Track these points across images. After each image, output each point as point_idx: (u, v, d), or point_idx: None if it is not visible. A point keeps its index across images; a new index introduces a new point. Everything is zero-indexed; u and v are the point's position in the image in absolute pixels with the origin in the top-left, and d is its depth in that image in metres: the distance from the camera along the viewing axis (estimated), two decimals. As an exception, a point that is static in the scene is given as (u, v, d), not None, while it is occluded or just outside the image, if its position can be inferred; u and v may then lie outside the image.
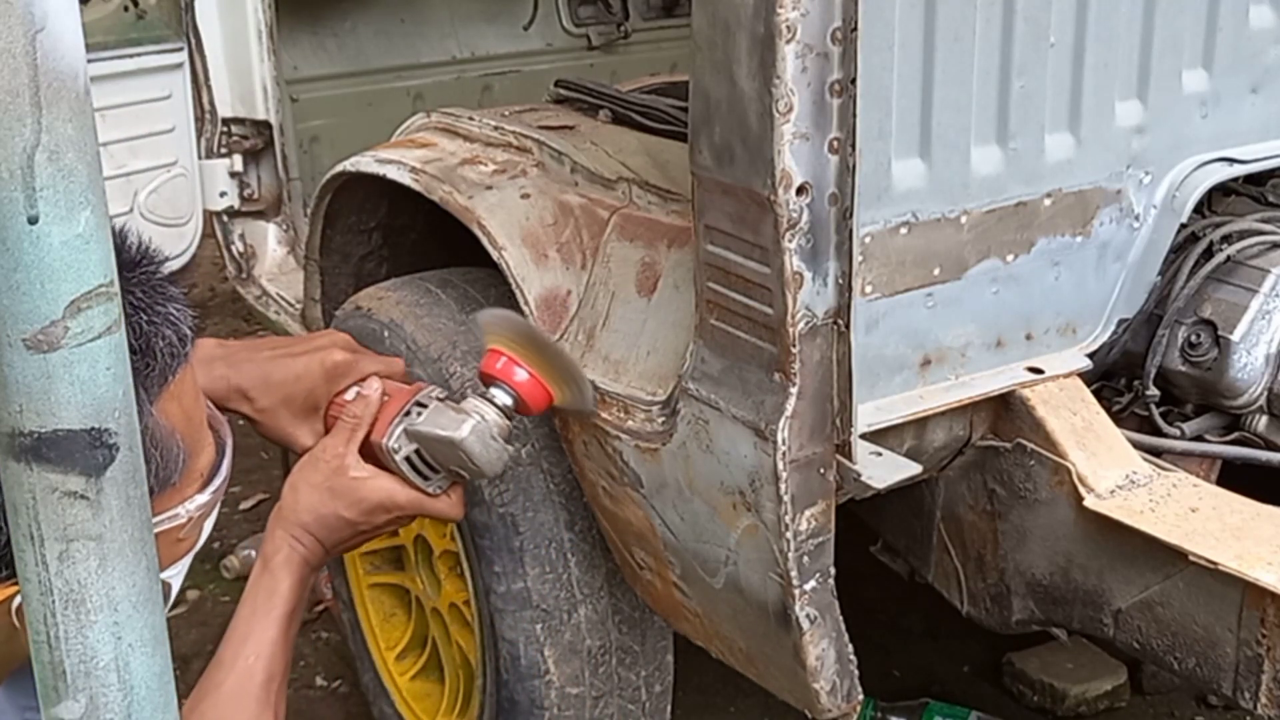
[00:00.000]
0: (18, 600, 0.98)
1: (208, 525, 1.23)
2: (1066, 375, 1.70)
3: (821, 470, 1.50)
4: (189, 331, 1.07)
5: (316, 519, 1.58)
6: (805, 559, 1.52)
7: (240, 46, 2.97)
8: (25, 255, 0.62)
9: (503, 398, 1.62)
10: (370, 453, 1.62)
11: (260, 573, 1.56)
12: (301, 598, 1.56)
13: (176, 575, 1.17)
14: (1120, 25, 1.66)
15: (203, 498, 1.17)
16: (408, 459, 1.61)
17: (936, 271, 1.60)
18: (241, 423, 1.64)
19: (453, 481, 1.65)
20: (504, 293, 1.89)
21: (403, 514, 1.62)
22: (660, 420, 1.65)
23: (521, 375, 1.63)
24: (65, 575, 0.66)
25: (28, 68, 0.60)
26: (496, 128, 2.12)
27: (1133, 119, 1.71)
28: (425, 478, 1.62)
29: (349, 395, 1.69)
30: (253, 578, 1.58)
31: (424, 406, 1.63)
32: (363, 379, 1.68)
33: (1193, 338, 1.78)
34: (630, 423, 1.69)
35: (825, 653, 1.57)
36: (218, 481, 1.20)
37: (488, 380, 1.65)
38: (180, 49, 2.96)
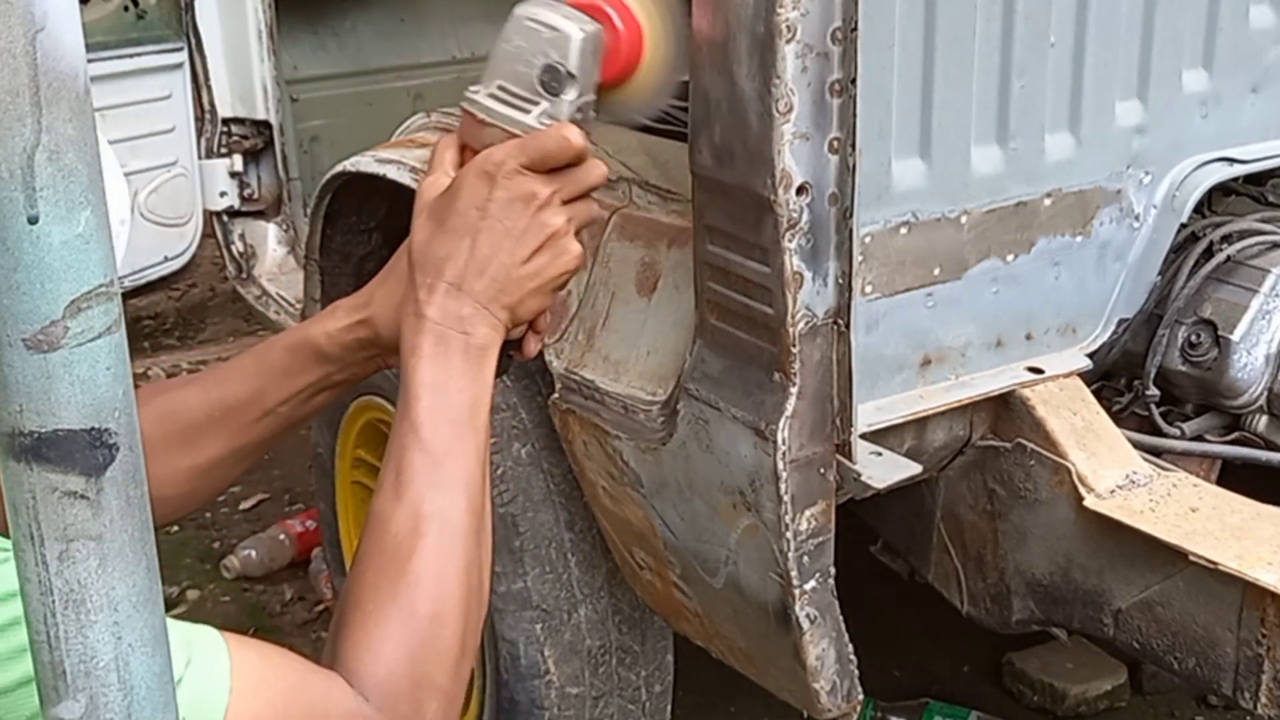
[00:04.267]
0: None
1: None
2: (1066, 375, 1.70)
3: (821, 470, 1.50)
4: None
5: (435, 260, 1.16)
6: (805, 559, 1.52)
7: (240, 46, 2.97)
8: (25, 255, 0.62)
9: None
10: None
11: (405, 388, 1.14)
12: (464, 380, 1.13)
13: None
14: (1120, 25, 1.66)
15: None
16: (492, 95, 1.25)
17: (936, 271, 1.60)
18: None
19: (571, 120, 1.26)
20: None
21: (508, 171, 1.17)
22: (660, 420, 1.65)
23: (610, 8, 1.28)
24: (65, 575, 0.66)
25: (28, 68, 0.60)
26: (496, 128, 2.12)
27: (1133, 119, 1.71)
28: (523, 109, 1.25)
29: None
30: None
31: None
32: None
33: (1193, 338, 1.78)
34: (630, 423, 1.69)
35: (825, 653, 1.57)
36: None
37: None
38: (180, 49, 2.96)
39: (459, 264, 1.16)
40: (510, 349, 1.24)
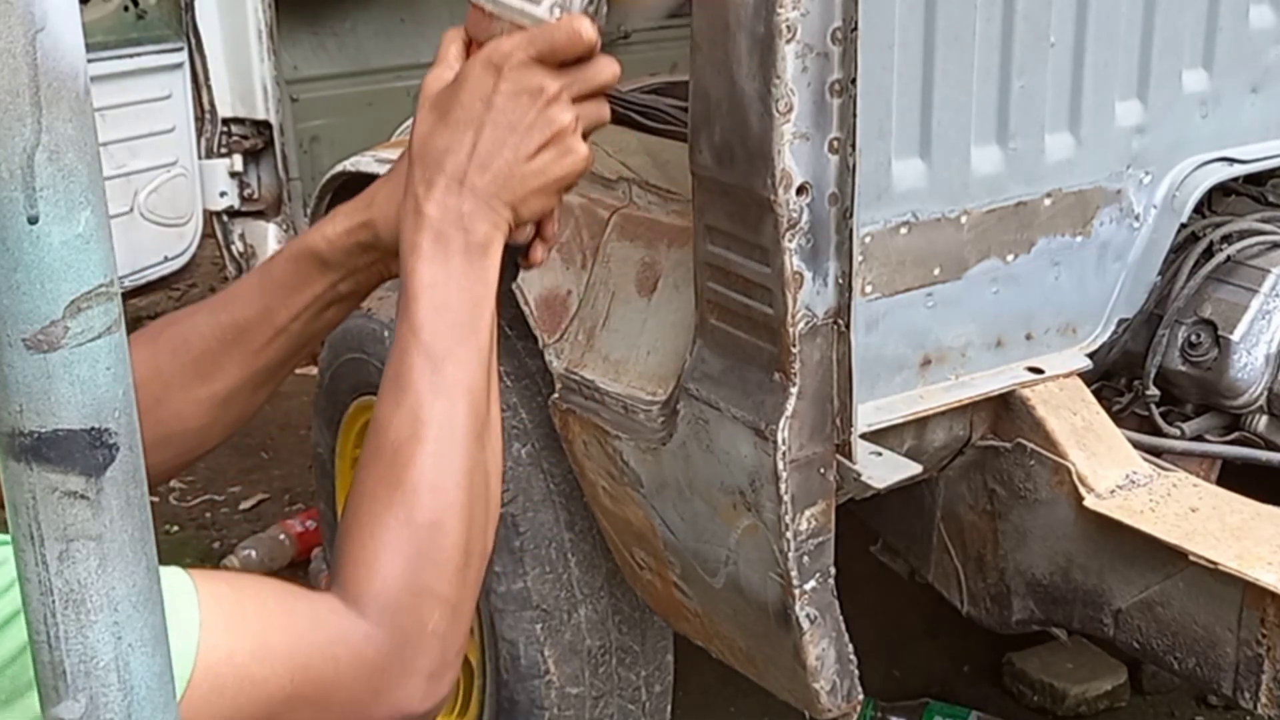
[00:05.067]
0: None
1: None
2: (1066, 375, 1.70)
3: (821, 470, 1.50)
4: None
5: (435, 153, 1.12)
6: (805, 559, 1.52)
7: (240, 46, 2.97)
8: (25, 255, 0.62)
9: None
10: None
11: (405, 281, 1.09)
12: (465, 280, 1.09)
13: None
14: (1120, 25, 1.66)
15: None
16: None
17: (936, 271, 1.60)
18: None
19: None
20: (502, 291, 1.89)
21: (515, 63, 1.12)
22: (660, 420, 1.65)
23: None
24: (65, 575, 0.66)
25: (28, 68, 0.60)
26: (496, 128, 2.11)
27: (1133, 119, 1.71)
28: (533, 0, 1.18)
29: None
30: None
31: None
32: None
33: (1193, 338, 1.78)
34: (630, 423, 1.69)
35: (825, 653, 1.57)
36: None
37: None
38: (180, 49, 2.96)
39: (460, 158, 1.11)
40: (517, 255, 1.19)
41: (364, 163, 2.17)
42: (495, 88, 1.12)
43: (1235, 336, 1.75)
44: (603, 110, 1.19)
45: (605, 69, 1.16)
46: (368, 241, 1.18)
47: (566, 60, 1.14)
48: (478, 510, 1.05)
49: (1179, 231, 1.80)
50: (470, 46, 1.21)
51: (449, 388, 1.05)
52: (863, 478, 1.50)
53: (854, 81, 1.37)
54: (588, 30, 1.14)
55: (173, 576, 0.92)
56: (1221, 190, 1.92)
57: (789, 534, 1.49)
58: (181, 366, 1.22)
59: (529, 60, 1.12)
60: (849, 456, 1.50)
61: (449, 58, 1.20)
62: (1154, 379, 1.81)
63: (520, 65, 1.12)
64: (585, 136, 1.17)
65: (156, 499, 3.28)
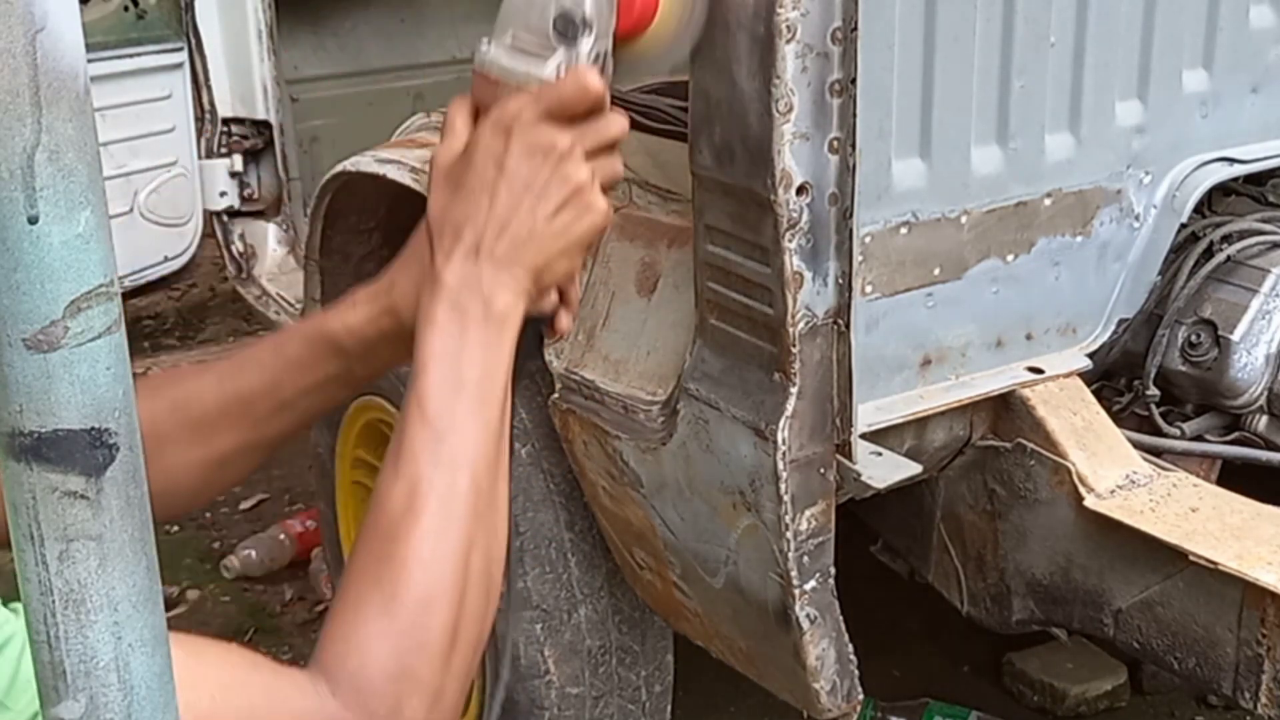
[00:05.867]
0: None
1: None
2: (1067, 375, 1.70)
3: (821, 470, 1.50)
4: None
5: (453, 223, 1.09)
6: (805, 559, 1.52)
7: (240, 46, 2.97)
8: (25, 255, 0.62)
9: None
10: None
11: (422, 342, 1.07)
12: (478, 351, 1.07)
13: None
14: (1120, 25, 1.66)
15: None
16: (503, 49, 1.18)
17: (936, 271, 1.60)
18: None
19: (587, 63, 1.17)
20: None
21: (525, 122, 1.10)
22: (660, 420, 1.65)
23: None
24: (65, 575, 0.66)
25: (28, 68, 0.60)
26: (496, 128, 2.11)
27: (1133, 119, 1.71)
28: (538, 61, 1.16)
29: None
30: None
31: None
32: None
33: (1193, 338, 1.78)
34: (630, 423, 1.69)
35: (825, 653, 1.57)
36: None
37: None
38: (180, 49, 2.96)
39: (478, 224, 1.08)
40: (541, 326, 1.18)
41: (364, 163, 2.16)
42: (506, 149, 1.09)
43: (1235, 336, 1.75)
44: (616, 165, 1.16)
45: (615, 123, 1.14)
46: (391, 331, 1.16)
47: (576, 115, 1.11)
48: (473, 592, 1.02)
49: (1179, 231, 1.80)
50: (478, 115, 1.18)
51: (450, 462, 1.03)
52: (863, 478, 1.50)
53: (854, 81, 1.37)
54: (595, 82, 1.11)
55: None
56: (1221, 190, 1.92)
57: (789, 534, 1.49)
58: (179, 426, 1.19)
59: (538, 117, 1.10)
60: (849, 456, 1.50)
61: (457, 127, 1.16)
62: (1154, 379, 1.81)
63: (530, 123, 1.10)
64: (604, 192, 1.14)
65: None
